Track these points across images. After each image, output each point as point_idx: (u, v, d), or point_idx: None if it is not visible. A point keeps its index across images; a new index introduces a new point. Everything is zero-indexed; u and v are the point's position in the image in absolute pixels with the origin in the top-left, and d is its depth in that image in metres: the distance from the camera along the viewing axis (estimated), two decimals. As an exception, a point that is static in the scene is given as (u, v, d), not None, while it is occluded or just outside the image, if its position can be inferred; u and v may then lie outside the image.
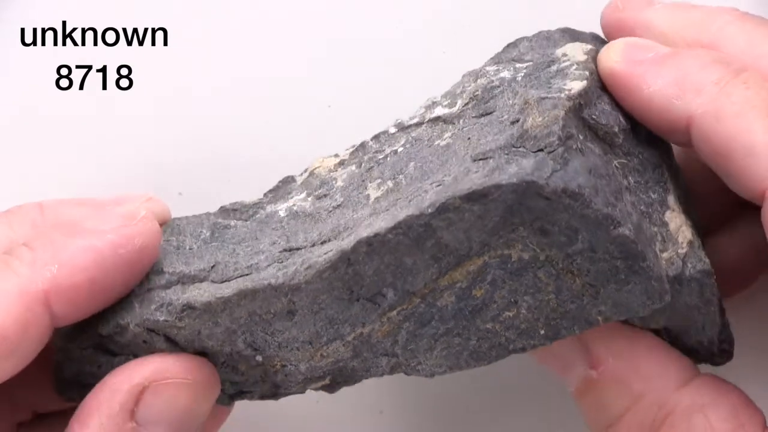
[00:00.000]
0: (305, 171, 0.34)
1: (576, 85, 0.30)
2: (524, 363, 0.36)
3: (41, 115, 0.41)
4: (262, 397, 0.33)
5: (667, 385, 0.30)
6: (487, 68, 0.33)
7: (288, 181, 0.34)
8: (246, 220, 0.33)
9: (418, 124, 0.33)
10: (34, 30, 0.41)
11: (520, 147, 0.29)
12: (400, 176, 0.31)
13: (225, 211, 0.34)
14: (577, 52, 0.32)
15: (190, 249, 0.33)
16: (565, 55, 0.32)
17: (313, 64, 0.40)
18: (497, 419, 0.41)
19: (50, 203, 0.34)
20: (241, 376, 0.32)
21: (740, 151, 0.29)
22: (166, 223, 0.34)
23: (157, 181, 0.41)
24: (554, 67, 0.31)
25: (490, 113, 0.31)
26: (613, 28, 0.34)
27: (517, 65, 0.32)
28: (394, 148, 0.32)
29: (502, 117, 0.31)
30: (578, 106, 0.30)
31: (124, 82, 0.41)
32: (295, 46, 0.40)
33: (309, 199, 0.33)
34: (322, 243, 0.31)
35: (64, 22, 0.41)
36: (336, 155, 0.34)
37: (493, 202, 0.28)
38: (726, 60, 0.31)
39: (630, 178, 0.31)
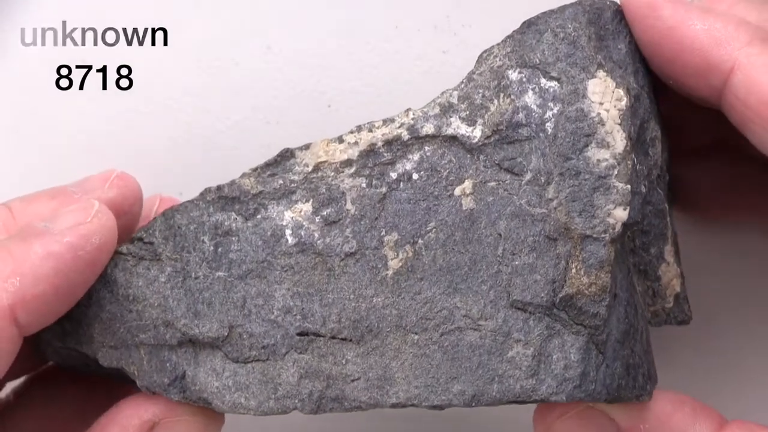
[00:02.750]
0: (305, 148, 0.32)
1: (619, 215, 0.29)
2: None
3: (41, 115, 0.41)
4: None
5: None
6: (510, 75, 0.31)
7: (286, 156, 0.32)
8: (247, 219, 0.32)
9: (433, 137, 0.31)
10: (34, 30, 0.41)
11: (562, 311, 0.29)
12: (420, 241, 0.30)
13: (223, 199, 0.32)
14: (612, 111, 0.30)
15: (195, 278, 0.32)
16: (600, 119, 0.30)
17: (313, 64, 0.40)
18: (497, 418, 0.41)
19: (17, 204, 0.33)
20: None
21: None
22: (162, 214, 0.33)
23: (157, 181, 0.41)
24: (592, 153, 0.29)
25: (517, 174, 0.30)
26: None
27: (543, 82, 0.30)
28: (407, 168, 0.31)
29: (533, 203, 0.30)
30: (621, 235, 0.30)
31: (124, 82, 0.41)
32: (295, 45, 0.40)
33: (316, 219, 0.31)
34: (343, 339, 0.31)
35: (64, 22, 0.41)
36: (340, 140, 0.32)
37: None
38: (760, 26, 0.30)
39: (637, 240, 0.31)
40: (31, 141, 0.41)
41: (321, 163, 0.32)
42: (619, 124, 0.29)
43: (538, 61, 0.30)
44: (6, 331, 0.29)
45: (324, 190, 0.32)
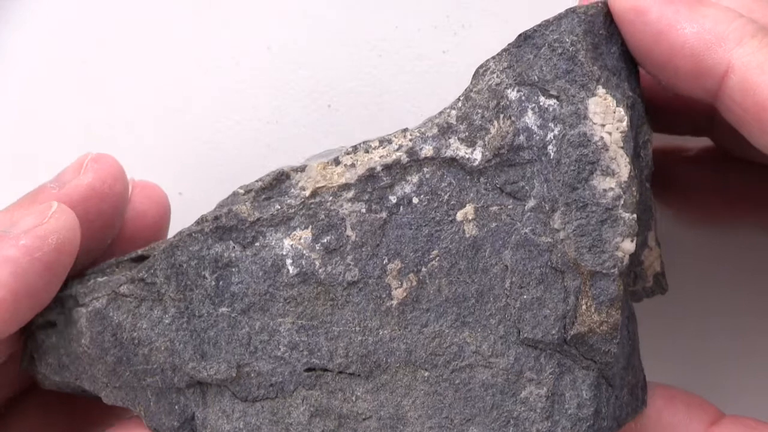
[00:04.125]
0: (301, 170, 0.31)
1: (627, 248, 0.29)
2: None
3: (40, 115, 0.41)
4: None
5: (696, 430, 0.30)
6: (509, 95, 0.30)
7: (281, 178, 0.31)
8: (245, 248, 0.31)
9: (432, 159, 0.30)
10: (34, 29, 0.41)
11: (572, 347, 0.29)
12: (423, 270, 0.30)
13: (221, 229, 0.31)
14: (615, 135, 0.29)
15: (199, 317, 0.31)
16: (604, 144, 0.29)
17: (313, 64, 0.40)
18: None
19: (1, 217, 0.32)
20: None
21: None
22: (164, 252, 0.32)
23: (157, 181, 0.41)
24: (598, 183, 0.29)
25: (519, 199, 0.30)
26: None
27: (542, 101, 0.30)
28: (406, 191, 0.30)
29: (537, 232, 0.29)
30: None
31: (124, 82, 0.41)
32: (295, 45, 0.40)
33: (316, 247, 0.31)
34: (351, 374, 0.30)
35: (63, 22, 0.41)
36: (336, 162, 0.31)
37: None
38: (749, 17, 0.30)
39: None
40: (31, 141, 0.41)
41: (319, 188, 0.31)
42: (622, 148, 0.29)
43: (536, 78, 0.30)
44: None
45: (323, 216, 0.31)
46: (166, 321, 0.31)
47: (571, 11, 0.30)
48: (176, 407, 0.31)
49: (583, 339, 0.29)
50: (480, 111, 0.30)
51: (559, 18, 0.30)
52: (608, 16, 0.31)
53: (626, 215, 0.29)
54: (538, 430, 0.29)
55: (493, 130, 0.30)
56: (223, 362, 0.31)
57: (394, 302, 0.30)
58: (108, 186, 0.32)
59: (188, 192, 0.41)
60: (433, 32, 0.40)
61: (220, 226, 0.31)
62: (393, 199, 0.30)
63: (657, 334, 0.39)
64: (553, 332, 0.29)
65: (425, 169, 0.30)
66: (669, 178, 0.36)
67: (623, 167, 0.29)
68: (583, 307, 0.29)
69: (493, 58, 0.31)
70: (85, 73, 0.41)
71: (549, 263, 0.29)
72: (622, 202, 0.29)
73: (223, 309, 0.31)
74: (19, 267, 0.29)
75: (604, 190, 0.29)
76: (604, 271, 0.29)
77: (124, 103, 0.41)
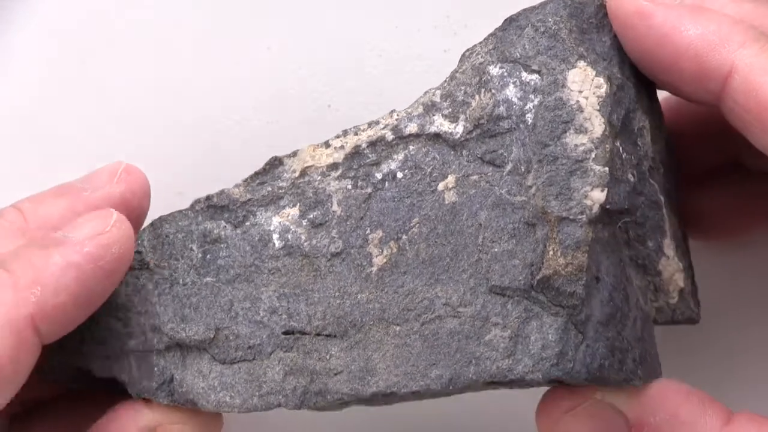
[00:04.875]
0: (293, 155, 0.32)
1: (596, 197, 0.29)
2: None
3: (40, 114, 0.41)
4: None
5: (713, 426, 0.30)
6: (491, 71, 0.31)
7: (275, 164, 0.32)
8: (236, 226, 0.32)
9: (417, 136, 0.31)
10: (34, 29, 0.41)
11: (540, 293, 0.29)
12: (404, 237, 0.30)
13: (212, 208, 0.32)
14: (591, 99, 0.30)
15: (183, 284, 0.32)
16: (579, 106, 0.30)
17: (313, 64, 0.40)
18: (497, 418, 0.41)
19: (28, 205, 0.33)
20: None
21: None
22: (151, 224, 0.33)
23: (157, 181, 0.41)
24: (570, 139, 0.29)
25: (498, 165, 0.30)
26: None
27: (523, 76, 0.30)
28: (391, 168, 0.31)
29: (513, 192, 0.30)
30: (599, 218, 0.29)
31: (124, 82, 0.41)
32: (295, 45, 0.40)
33: (303, 223, 0.32)
34: (328, 335, 0.31)
35: (63, 22, 0.41)
36: (327, 145, 0.32)
37: (513, 383, 0.29)
38: (751, 25, 0.30)
39: (631, 232, 0.31)
40: (31, 141, 0.41)
41: (308, 167, 0.32)
42: (598, 110, 0.29)
43: (518, 55, 0.30)
44: (27, 341, 0.29)
45: (311, 194, 0.32)
46: (149, 287, 0.32)
47: None
48: (155, 369, 0.32)
49: (548, 283, 0.29)
50: (463, 88, 0.31)
51: (544, 3, 0.31)
52: (600, 9, 0.31)
53: (597, 167, 0.29)
54: (498, 368, 0.28)
55: (474, 104, 0.31)
56: (202, 324, 0.31)
57: (374, 269, 0.31)
58: (137, 199, 0.33)
59: (188, 192, 0.40)
60: (433, 32, 0.40)
61: (212, 205, 0.33)
62: (378, 175, 0.31)
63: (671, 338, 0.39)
64: (521, 279, 0.29)
65: (411, 147, 0.31)
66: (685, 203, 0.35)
67: (597, 126, 0.29)
68: (550, 252, 0.29)
69: (480, 42, 0.31)
70: (85, 73, 0.41)
71: (522, 219, 0.29)
72: (593, 155, 0.29)
73: (208, 279, 0.32)
74: (83, 273, 0.30)
75: (576, 145, 0.29)
76: (571, 217, 0.29)
77: (124, 102, 0.41)
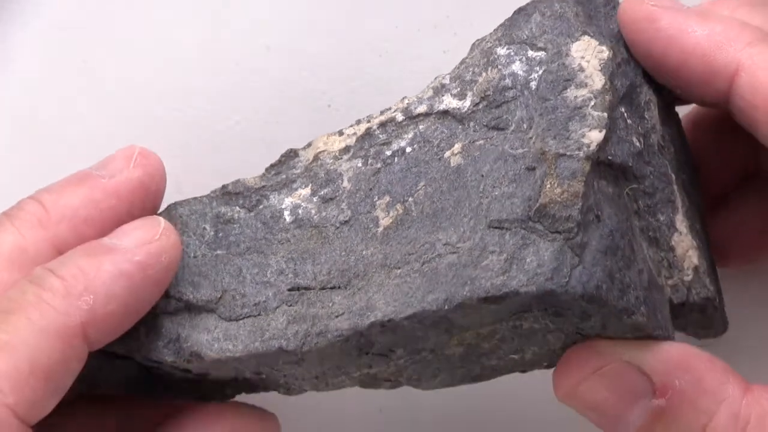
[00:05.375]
0: (308, 146, 0.33)
1: (595, 137, 0.29)
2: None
3: (41, 114, 0.41)
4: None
5: (735, 394, 0.29)
6: (498, 51, 0.31)
7: (290, 155, 0.33)
8: (249, 210, 0.33)
9: (426, 115, 0.32)
10: (35, 29, 0.41)
11: (537, 222, 0.29)
12: (410, 199, 0.31)
13: (227, 195, 0.33)
14: (594, 65, 0.30)
15: (194, 257, 0.32)
16: (581, 68, 0.30)
17: (313, 64, 0.40)
18: (497, 419, 0.41)
19: (47, 196, 0.32)
20: (243, 382, 0.33)
21: None
22: (166, 209, 0.33)
23: (157, 181, 0.41)
24: (571, 95, 0.30)
25: (502, 129, 0.30)
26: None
27: (530, 53, 0.31)
28: (401, 145, 0.32)
29: (515, 146, 0.30)
30: (596, 157, 0.29)
31: (124, 82, 0.41)
32: (295, 45, 0.40)
33: (314, 200, 0.32)
34: (332, 288, 0.31)
35: (64, 22, 0.41)
36: (340, 133, 0.33)
37: (510, 302, 0.28)
38: (757, 27, 0.30)
39: (640, 202, 0.31)
40: (31, 140, 0.41)
41: (320, 153, 0.33)
42: (599, 70, 0.30)
43: (525, 37, 0.31)
44: (78, 349, 0.29)
45: (322, 175, 0.32)
46: None
47: None
48: (163, 330, 0.32)
49: (545, 211, 0.28)
50: (471, 69, 0.32)
51: None
52: (609, 2, 0.32)
53: (596, 113, 0.29)
54: (492, 284, 0.28)
55: (481, 80, 0.31)
56: (210, 288, 0.32)
57: (380, 229, 0.31)
58: (155, 183, 0.33)
59: (188, 192, 0.40)
60: (433, 32, 0.40)
61: (227, 192, 0.33)
62: (388, 152, 0.32)
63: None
64: (518, 211, 0.29)
65: (420, 126, 0.32)
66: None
67: (597, 81, 0.30)
68: (548, 186, 0.29)
69: (490, 33, 0.32)
70: (86, 73, 0.41)
71: (523, 165, 0.29)
72: (592, 103, 0.29)
73: (219, 252, 0.32)
74: (133, 283, 0.30)
75: (576, 97, 0.30)
76: (568, 153, 0.29)
77: (124, 102, 0.41)
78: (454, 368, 0.31)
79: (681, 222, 0.31)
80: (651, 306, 0.29)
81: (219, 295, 0.31)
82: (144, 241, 0.30)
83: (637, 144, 0.31)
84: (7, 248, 0.31)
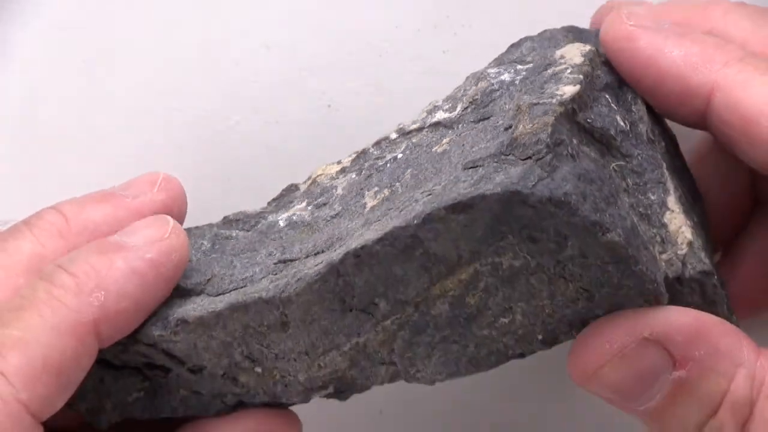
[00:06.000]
0: (308, 179, 0.34)
1: (569, 90, 0.30)
2: (524, 364, 0.36)
3: (41, 113, 0.41)
4: (265, 405, 0.33)
5: (750, 358, 0.29)
6: (489, 71, 0.33)
7: (291, 189, 0.34)
8: (248, 231, 0.33)
9: (419, 129, 0.33)
10: (35, 29, 0.41)
11: (509, 155, 0.29)
12: (397, 184, 0.31)
13: (228, 222, 0.34)
14: (575, 54, 0.32)
15: (189, 261, 0.32)
16: (562, 57, 0.32)
17: (313, 64, 0.40)
18: (497, 420, 0.41)
19: (69, 208, 0.33)
20: (242, 387, 0.32)
21: None
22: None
23: (157, 181, 0.41)
24: (550, 71, 0.31)
25: (487, 118, 0.31)
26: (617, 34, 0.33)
27: (518, 67, 0.32)
28: (395, 155, 0.32)
29: (498, 122, 0.31)
30: (571, 111, 0.30)
31: (124, 82, 0.41)
32: (295, 45, 0.40)
33: (309, 208, 0.33)
34: (316, 254, 0.31)
35: (64, 22, 0.41)
36: (339, 162, 0.34)
37: (478, 211, 0.28)
38: (739, 46, 0.31)
39: (628, 179, 0.31)
40: (31, 140, 0.41)
41: (318, 176, 0.34)
42: (581, 56, 0.31)
43: (515, 58, 0.33)
44: (89, 347, 0.29)
45: (318, 191, 0.33)
46: None
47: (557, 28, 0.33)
48: (153, 315, 0.32)
49: (516, 142, 0.29)
50: (462, 89, 0.33)
51: (544, 30, 0.33)
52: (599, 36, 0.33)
53: (572, 76, 0.30)
54: (460, 193, 0.28)
55: (470, 92, 0.32)
56: (200, 275, 0.32)
57: (367, 209, 0.31)
58: (177, 206, 0.33)
59: (188, 192, 0.40)
60: (433, 32, 0.40)
61: (228, 220, 0.34)
62: (381, 162, 0.33)
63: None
64: (491, 151, 0.29)
65: (413, 139, 0.32)
66: None
67: (577, 59, 0.31)
68: (520, 127, 0.29)
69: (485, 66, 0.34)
70: (86, 73, 0.41)
71: (502, 127, 0.30)
72: (569, 71, 0.30)
73: (214, 255, 0.33)
74: (145, 280, 0.30)
75: (555, 71, 0.31)
76: (542, 101, 0.29)
77: (124, 102, 0.41)
78: (447, 342, 0.31)
79: (673, 203, 0.31)
80: (633, 236, 0.29)
81: (208, 278, 0.32)
82: (155, 239, 0.31)
83: (622, 124, 0.31)
84: (25, 255, 0.31)
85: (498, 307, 0.30)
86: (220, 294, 0.32)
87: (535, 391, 0.36)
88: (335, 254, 0.30)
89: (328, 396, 0.33)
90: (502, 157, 0.29)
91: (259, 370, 0.32)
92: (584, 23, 0.34)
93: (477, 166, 0.29)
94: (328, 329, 0.31)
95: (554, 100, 0.29)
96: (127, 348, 0.32)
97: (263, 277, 0.31)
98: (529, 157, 0.28)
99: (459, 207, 0.28)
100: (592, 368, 0.30)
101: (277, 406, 0.33)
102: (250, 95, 0.40)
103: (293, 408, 0.33)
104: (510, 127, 0.30)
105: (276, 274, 0.31)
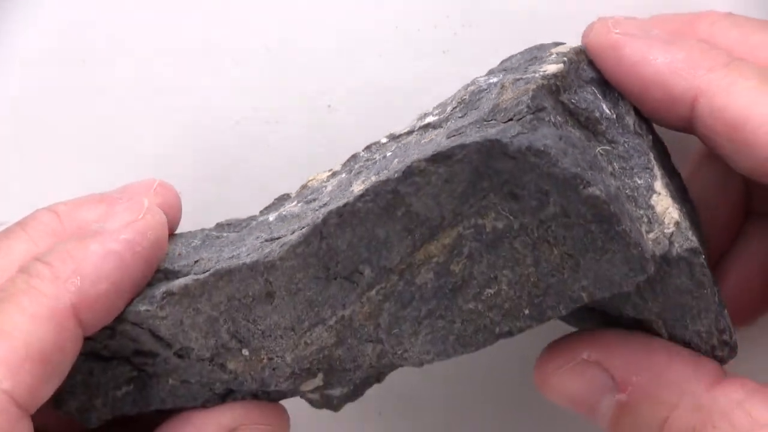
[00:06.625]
0: (300, 187, 0.34)
1: (552, 68, 0.30)
2: (523, 365, 0.35)
3: (40, 114, 0.41)
4: (255, 396, 0.33)
5: (698, 389, 0.30)
6: (479, 78, 0.33)
7: (283, 198, 0.34)
8: (238, 231, 0.34)
9: (409, 133, 0.33)
10: (34, 29, 0.41)
11: (491, 120, 0.29)
12: (384, 171, 0.31)
13: (220, 226, 0.34)
14: (563, 48, 0.32)
15: (179, 255, 0.33)
16: (551, 54, 0.32)
17: (313, 64, 0.40)
18: (497, 421, 0.41)
19: (64, 208, 0.33)
20: (230, 374, 0.32)
21: (756, 121, 0.29)
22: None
23: (156, 181, 0.41)
24: (537, 64, 0.32)
25: (475, 109, 0.31)
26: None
27: (508, 73, 0.33)
28: (384, 154, 0.33)
29: (483, 106, 0.31)
30: (554, 87, 0.30)
31: (124, 82, 0.41)
32: (295, 45, 0.40)
33: (299, 204, 0.33)
34: (302, 228, 0.31)
35: (64, 22, 0.41)
36: (330, 169, 0.34)
37: (458, 163, 0.29)
38: (725, 52, 0.31)
39: (615, 164, 0.31)
40: (31, 140, 0.41)
41: (310, 180, 0.34)
42: (569, 48, 0.32)
43: (505, 67, 0.33)
44: (70, 331, 0.29)
45: (309, 193, 0.33)
46: None
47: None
48: (140, 295, 0.32)
49: (497, 108, 0.29)
50: (453, 97, 0.33)
51: None
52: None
53: (556, 58, 0.31)
54: (438, 145, 0.29)
55: (459, 96, 0.33)
56: (188, 259, 0.32)
57: (353, 195, 0.31)
58: (173, 212, 0.34)
59: (188, 192, 0.41)
60: (433, 32, 0.40)
61: (220, 225, 0.34)
62: (370, 162, 0.33)
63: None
64: (474, 119, 0.30)
65: (402, 141, 0.33)
66: None
67: (563, 48, 0.32)
68: (502, 96, 0.30)
69: None
70: (85, 73, 0.41)
71: (487, 108, 0.30)
72: (553, 57, 0.31)
73: (204, 247, 0.33)
74: (122, 260, 0.30)
75: (540, 58, 0.32)
76: (525, 77, 0.30)
77: (123, 102, 0.41)
78: (433, 317, 0.31)
79: (660, 187, 0.31)
80: (615, 198, 0.29)
81: (195, 260, 0.32)
82: (129, 221, 0.31)
83: (608, 112, 0.31)
84: (19, 256, 0.31)
85: (483, 276, 0.30)
86: (205, 272, 0.32)
87: (535, 392, 0.36)
88: (319, 214, 0.30)
89: (318, 390, 0.33)
90: (484, 122, 0.29)
91: (246, 353, 0.32)
92: (583, 22, 0.34)
93: (459, 133, 0.29)
94: (313, 300, 0.31)
95: (537, 75, 0.30)
96: (114, 332, 0.32)
97: (249, 254, 0.32)
98: (511, 119, 0.29)
99: (439, 158, 0.29)
100: (543, 377, 0.32)
101: (267, 397, 0.33)
102: (250, 95, 0.40)
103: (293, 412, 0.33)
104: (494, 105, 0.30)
105: (263, 249, 0.32)
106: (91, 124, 0.41)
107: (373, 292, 0.31)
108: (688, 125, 0.31)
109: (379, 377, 0.34)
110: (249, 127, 0.41)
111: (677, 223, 0.31)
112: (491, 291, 0.30)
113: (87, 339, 0.31)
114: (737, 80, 0.29)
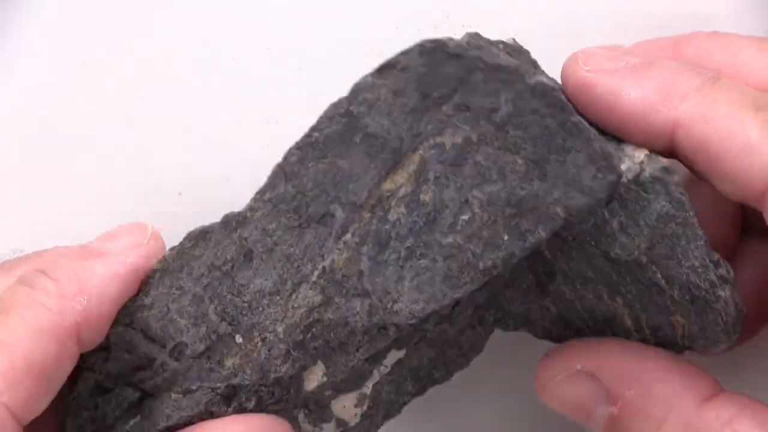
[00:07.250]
0: None
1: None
2: (521, 365, 0.35)
3: (41, 114, 0.41)
4: (260, 399, 0.33)
5: (688, 404, 0.30)
6: None
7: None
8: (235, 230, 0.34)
9: None
10: (34, 29, 0.41)
11: None
12: None
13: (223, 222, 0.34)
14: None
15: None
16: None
17: (313, 64, 0.40)
18: (496, 421, 0.41)
19: (48, 254, 0.33)
20: (228, 371, 0.32)
21: (735, 150, 0.28)
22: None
23: (157, 181, 0.41)
24: None
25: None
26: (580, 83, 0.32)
27: None
28: None
29: None
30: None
31: (124, 82, 0.41)
32: (295, 46, 0.40)
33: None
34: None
35: (64, 23, 0.41)
36: None
37: (404, 72, 0.29)
38: (698, 70, 0.30)
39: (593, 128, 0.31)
40: (30, 141, 0.41)
41: None
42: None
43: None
44: (70, 350, 0.29)
45: None
46: None
47: None
48: None
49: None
50: None
51: None
52: None
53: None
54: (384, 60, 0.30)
55: None
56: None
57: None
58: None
59: (188, 192, 0.41)
60: (433, 32, 0.39)
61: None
62: None
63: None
64: None
65: None
66: None
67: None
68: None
69: None
70: (85, 73, 0.41)
71: None
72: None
73: (199, 249, 0.33)
74: (125, 284, 0.31)
75: None
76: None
77: (123, 102, 0.41)
78: (414, 257, 0.30)
79: (631, 148, 0.31)
80: (562, 88, 0.30)
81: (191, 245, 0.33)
82: (134, 245, 0.31)
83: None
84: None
85: (453, 202, 0.30)
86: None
87: (534, 395, 0.36)
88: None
89: (322, 387, 0.33)
90: None
91: (239, 339, 0.32)
92: (583, 22, 0.34)
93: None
94: (291, 255, 0.31)
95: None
96: (110, 353, 0.32)
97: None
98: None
99: (384, 68, 0.30)
100: (541, 384, 0.33)
101: (272, 397, 0.33)
102: (250, 95, 0.40)
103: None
104: None
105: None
106: (90, 124, 0.41)
107: (349, 234, 0.31)
108: (671, 154, 0.30)
109: (419, 390, 0.34)
110: (249, 127, 0.41)
111: (648, 155, 0.31)
112: (465, 218, 0.30)
113: (88, 372, 0.31)
114: (711, 108, 0.29)
